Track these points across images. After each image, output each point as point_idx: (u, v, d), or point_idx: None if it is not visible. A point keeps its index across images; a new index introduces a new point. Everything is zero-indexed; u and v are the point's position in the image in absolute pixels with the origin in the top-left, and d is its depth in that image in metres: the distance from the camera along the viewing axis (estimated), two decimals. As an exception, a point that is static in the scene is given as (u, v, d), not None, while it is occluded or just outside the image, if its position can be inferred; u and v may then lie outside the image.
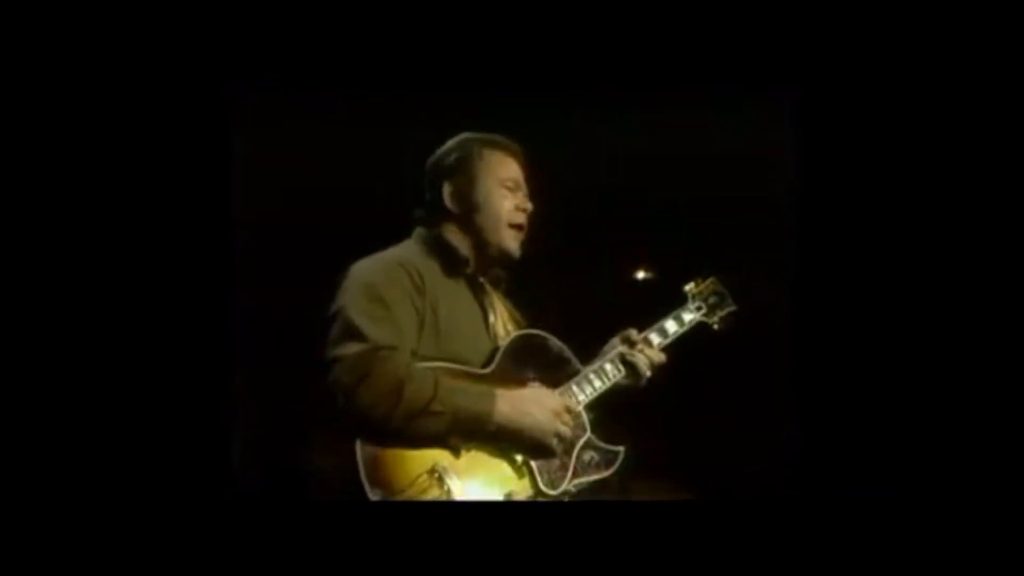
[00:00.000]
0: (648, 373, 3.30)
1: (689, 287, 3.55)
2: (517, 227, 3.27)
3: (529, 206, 3.29)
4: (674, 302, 3.49)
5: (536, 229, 3.29)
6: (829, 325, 2.56)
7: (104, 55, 2.54)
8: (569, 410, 3.09)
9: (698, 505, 2.76)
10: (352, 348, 2.88)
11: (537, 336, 3.25)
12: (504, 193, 3.26)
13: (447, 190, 3.25)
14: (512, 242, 3.26)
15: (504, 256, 3.27)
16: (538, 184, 3.32)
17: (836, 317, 2.55)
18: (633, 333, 3.35)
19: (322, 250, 3.39)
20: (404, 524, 2.68)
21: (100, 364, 2.50)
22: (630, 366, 3.30)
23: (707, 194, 4.78)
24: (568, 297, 5.00)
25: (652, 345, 3.36)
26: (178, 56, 2.58)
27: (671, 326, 3.45)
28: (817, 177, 2.61)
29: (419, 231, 3.29)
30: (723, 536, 2.54)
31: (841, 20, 2.63)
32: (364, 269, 3.11)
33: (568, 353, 3.27)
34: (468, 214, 3.24)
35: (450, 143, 3.34)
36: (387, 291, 3.01)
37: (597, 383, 3.25)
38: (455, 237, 3.25)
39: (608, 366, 3.28)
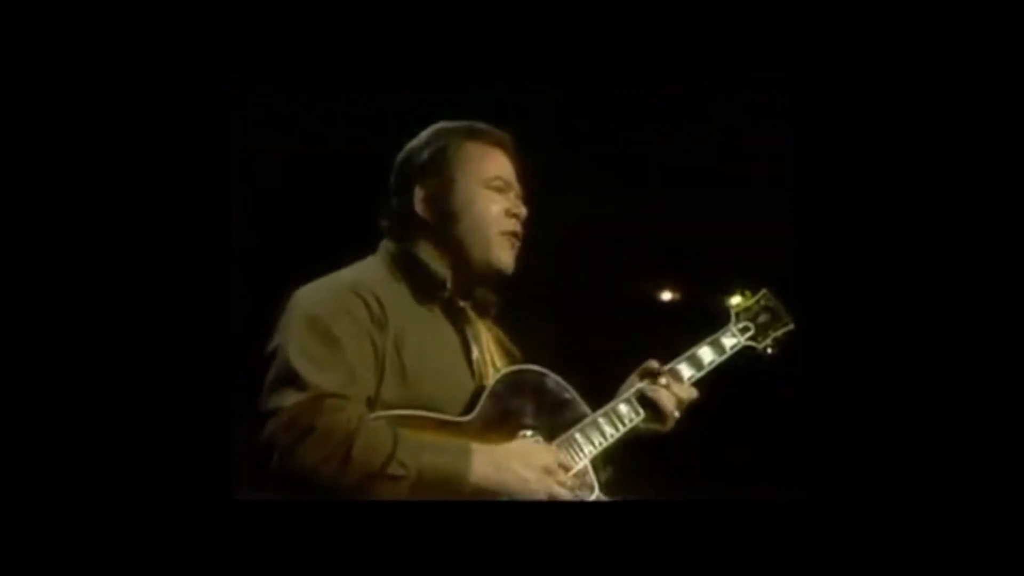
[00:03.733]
0: (676, 414, 2.68)
1: (735, 302, 2.90)
2: (510, 235, 2.67)
3: (523, 210, 2.69)
4: (698, 325, 2.84)
5: (532, 240, 2.72)
6: (834, 326, 2.53)
7: (101, 48, 2.52)
8: (566, 466, 2.52)
9: (698, 505, 2.47)
10: (290, 397, 2.38)
11: (530, 373, 2.63)
12: (491, 195, 2.66)
13: (418, 195, 2.65)
14: (504, 252, 2.66)
15: (495, 271, 2.66)
16: (534, 184, 2.76)
17: (841, 318, 2.52)
18: (654, 365, 2.72)
19: (324, 248, 2.91)
20: (407, 525, 2.42)
21: (96, 361, 2.48)
22: (651, 406, 2.67)
23: (713, 194, 4.44)
24: (575, 325, 4.48)
25: (681, 379, 2.73)
26: (177, 50, 2.55)
27: (707, 354, 2.80)
28: (819, 173, 2.58)
29: (385, 246, 2.69)
30: (725, 537, 2.50)
31: (842, 11, 2.60)
32: (309, 297, 2.55)
33: (572, 393, 2.65)
34: (445, 224, 2.64)
35: (422, 135, 2.75)
36: (336, 325, 2.47)
37: (609, 430, 2.63)
38: (429, 253, 2.65)
39: (623, 408, 2.66)
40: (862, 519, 2.39)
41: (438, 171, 2.67)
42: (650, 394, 2.69)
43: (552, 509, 2.50)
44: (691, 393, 2.73)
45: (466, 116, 2.78)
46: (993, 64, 2.50)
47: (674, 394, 2.69)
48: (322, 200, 4.26)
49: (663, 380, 2.70)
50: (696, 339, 2.81)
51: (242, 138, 2.60)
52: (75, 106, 2.46)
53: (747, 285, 2.93)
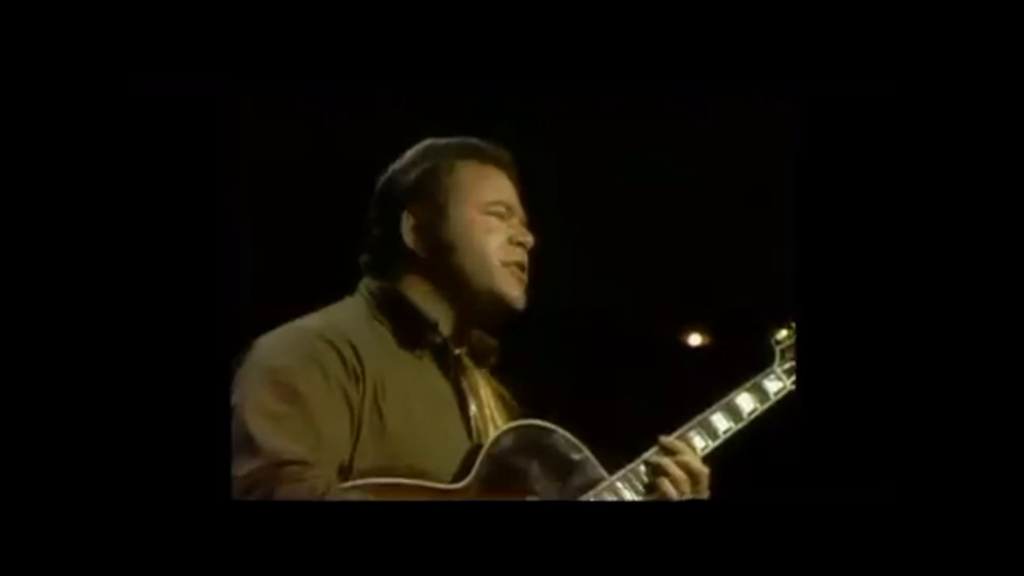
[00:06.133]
0: (672, 493, 2.23)
1: (781, 336, 2.44)
2: (515, 266, 2.33)
3: (529, 238, 2.35)
4: (736, 363, 2.44)
5: (534, 276, 2.36)
6: (831, 327, 2.52)
7: (99, 48, 2.53)
8: None
9: (698, 506, 2.30)
10: (244, 465, 2.05)
11: (535, 429, 2.25)
12: (491, 222, 2.33)
13: (407, 223, 2.32)
14: (511, 286, 2.31)
15: (503, 307, 2.31)
16: (538, 209, 2.42)
17: (838, 318, 2.53)
18: (666, 441, 2.30)
19: (325, 249, 2.79)
20: (407, 525, 2.39)
21: (93, 362, 2.48)
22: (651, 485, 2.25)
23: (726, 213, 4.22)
24: (588, 372, 4.13)
25: (693, 447, 2.30)
26: (177, 49, 2.55)
27: (747, 402, 2.38)
28: (818, 186, 2.59)
29: (366, 284, 2.34)
30: (725, 537, 2.47)
31: (843, 22, 2.61)
32: (270, 347, 2.22)
33: (584, 452, 2.25)
34: (439, 256, 2.31)
35: (407, 155, 2.41)
36: (301, 379, 2.14)
37: (629, 495, 2.23)
38: (419, 290, 2.31)
39: (644, 470, 2.26)
40: (862, 519, 2.38)
41: (428, 196, 2.34)
42: (655, 463, 2.27)
43: (551, 509, 2.25)
44: (698, 467, 2.29)
45: (463, 115, 2.49)
46: (1000, 83, 2.50)
47: (683, 467, 2.27)
48: (323, 201, 4.19)
49: (680, 452, 2.28)
50: (732, 381, 2.42)
51: (240, 140, 2.36)
52: (73, 107, 2.46)
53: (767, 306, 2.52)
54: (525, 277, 2.34)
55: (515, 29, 2.57)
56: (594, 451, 2.29)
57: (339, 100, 3.58)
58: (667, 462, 2.27)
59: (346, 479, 2.11)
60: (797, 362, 2.41)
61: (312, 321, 2.28)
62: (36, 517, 2.26)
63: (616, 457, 2.30)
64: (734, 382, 2.40)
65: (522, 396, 2.44)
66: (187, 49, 2.40)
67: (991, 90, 2.40)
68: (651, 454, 2.28)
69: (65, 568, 2.25)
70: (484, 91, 2.74)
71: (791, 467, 2.27)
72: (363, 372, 2.19)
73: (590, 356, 4.31)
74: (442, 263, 2.31)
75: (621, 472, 2.26)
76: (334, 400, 2.16)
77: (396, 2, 2.60)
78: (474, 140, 2.43)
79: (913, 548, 2.30)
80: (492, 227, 2.34)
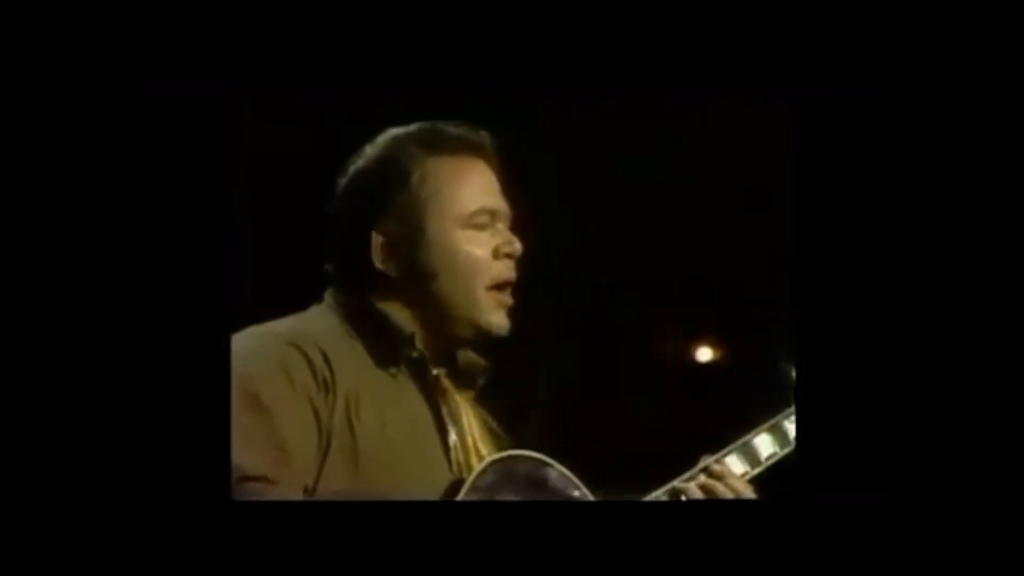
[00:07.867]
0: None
1: None
2: (502, 285, 2.10)
3: (517, 246, 2.11)
4: (752, 396, 2.27)
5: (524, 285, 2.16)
6: (831, 326, 2.52)
7: (96, 50, 2.52)
8: None
9: (699, 507, 2.22)
10: None
11: (527, 461, 2.04)
12: (473, 237, 2.09)
13: (376, 242, 2.08)
14: (496, 312, 2.09)
15: (484, 335, 2.10)
16: (538, 209, 2.24)
17: (838, 318, 2.52)
18: (710, 462, 2.12)
19: (323, 253, 2.93)
20: (406, 525, 2.34)
21: (93, 362, 2.47)
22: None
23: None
24: (584, 398, 3.98)
25: (731, 472, 2.13)
26: (170, 53, 2.55)
27: (765, 445, 2.19)
28: (818, 186, 2.58)
29: (333, 295, 2.14)
30: (725, 537, 2.45)
31: (843, 22, 2.61)
32: (235, 351, 2.01)
33: (581, 489, 2.07)
34: (416, 281, 2.09)
35: (369, 152, 2.18)
36: (266, 388, 1.97)
37: None
38: (393, 305, 2.09)
39: (682, 492, 2.11)
40: (862, 520, 2.37)
41: (400, 211, 2.12)
42: (683, 491, 2.12)
43: (550, 509, 2.10)
44: (745, 490, 2.14)
45: (461, 110, 2.24)
46: (1000, 83, 2.49)
47: (728, 488, 2.12)
48: (323, 202, 4.20)
49: (701, 478, 2.12)
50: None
51: (240, 140, 2.30)
52: (73, 107, 2.44)
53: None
54: (511, 299, 2.14)
55: (515, 29, 2.58)
56: (595, 459, 2.16)
57: (339, 100, 3.60)
58: (715, 484, 2.13)
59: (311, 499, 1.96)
60: (797, 362, 2.29)
61: (281, 325, 2.12)
62: (37, 517, 2.26)
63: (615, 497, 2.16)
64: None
65: (509, 423, 2.25)
66: (187, 49, 2.40)
67: (991, 90, 2.40)
68: (658, 494, 2.13)
69: (65, 568, 2.25)
70: (484, 91, 2.68)
71: (792, 469, 2.25)
72: (334, 382, 2.01)
73: (589, 357, 4.29)
74: (419, 287, 2.11)
75: (653, 495, 2.11)
76: (301, 412, 1.98)
77: (395, 2, 2.62)
78: (444, 126, 2.18)
79: (914, 550, 2.30)
80: (476, 242, 2.12)
